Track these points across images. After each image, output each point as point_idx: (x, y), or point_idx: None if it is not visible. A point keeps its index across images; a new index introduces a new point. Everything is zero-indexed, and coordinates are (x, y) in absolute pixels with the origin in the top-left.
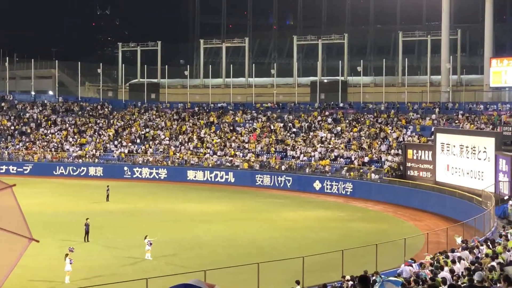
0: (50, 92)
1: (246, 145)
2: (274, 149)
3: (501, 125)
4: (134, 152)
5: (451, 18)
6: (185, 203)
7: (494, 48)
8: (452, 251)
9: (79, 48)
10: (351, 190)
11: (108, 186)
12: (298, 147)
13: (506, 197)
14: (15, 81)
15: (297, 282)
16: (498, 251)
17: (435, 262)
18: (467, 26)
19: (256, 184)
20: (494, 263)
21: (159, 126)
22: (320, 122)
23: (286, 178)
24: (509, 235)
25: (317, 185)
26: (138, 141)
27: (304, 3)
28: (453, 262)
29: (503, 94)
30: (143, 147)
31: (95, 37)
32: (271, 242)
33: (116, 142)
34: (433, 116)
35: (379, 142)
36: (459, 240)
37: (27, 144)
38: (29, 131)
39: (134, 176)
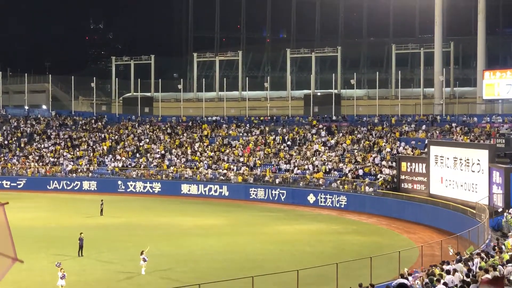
0: (44, 107)
1: (240, 159)
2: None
3: (494, 137)
4: (128, 166)
5: (443, 31)
6: (179, 217)
7: (487, 61)
8: (447, 263)
9: (72, 62)
10: (345, 203)
11: (102, 200)
12: (292, 160)
13: (500, 209)
14: (8, 95)
15: None
16: (495, 263)
17: (430, 275)
18: (460, 39)
19: (250, 197)
20: (488, 276)
21: (153, 140)
22: (313, 135)
23: (280, 191)
24: (503, 247)
25: (311, 198)
26: (136, 155)
27: (297, 16)
28: (448, 273)
29: (496, 106)
30: (138, 161)
31: (88, 51)
32: (265, 256)
33: (110, 156)
34: (424, 127)
35: (373, 155)
36: (452, 251)
37: (21, 158)
38: (22, 145)
39: (128, 190)
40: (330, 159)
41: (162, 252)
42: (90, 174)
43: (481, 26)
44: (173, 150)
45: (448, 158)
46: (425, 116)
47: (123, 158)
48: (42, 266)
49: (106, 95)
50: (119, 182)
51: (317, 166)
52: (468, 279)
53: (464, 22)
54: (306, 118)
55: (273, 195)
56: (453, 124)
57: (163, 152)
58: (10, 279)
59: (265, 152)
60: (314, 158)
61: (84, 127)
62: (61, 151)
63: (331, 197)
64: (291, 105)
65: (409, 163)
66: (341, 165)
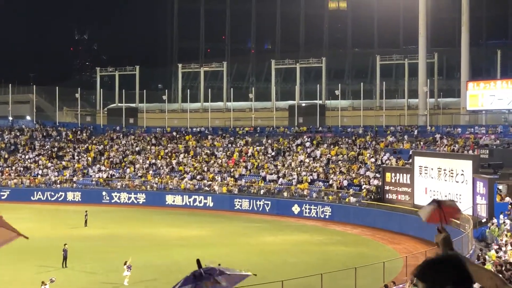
0: (28, 117)
1: (225, 169)
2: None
3: (477, 149)
4: (113, 177)
5: (427, 42)
6: (164, 227)
7: (471, 72)
8: None
9: (57, 73)
10: (330, 213)
11: (86, 211)
12: (281, 171)
13: (483, 220)
14: None
15: None
16: None
17: (415, 285)
18: (444, 50)
19: (235, 208)
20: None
21: (137, 150)
22: (298, 146)
23: (265, 202)
24: (487, 257)
25: (295, 209)
26: (120, 166)
27: (282, 27)
28: None
29: (480, 117)
30: (122, 172)
31: (73, 62)
32: (250, 266)
33: (94, 167)
34: (408, 138)
35: (358, 166)
36: None
37: (5, 169)
38: (6, 156)
39: (113, 201)
40: (315, 169)
41: (146, 263)
42: (74, 185)
43: (465, 37)
44: (158, 161)
45: (432, 169)
46: (410, 127)
47: (108, 169)
48: (25, 277)
49: (91, 105)
50: (104, 193)
51: (303, 176)
52: None
53: (448, 34)
54: (291, 129)
55: (258, 206)
56: (437, 135)
57: (147, 163)
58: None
59: (250, 162)
60: (299, 169)
61: (68, 138)
62: (45, 162)
63: (316, 207)
64: (275, 116)
65: (393, 174)
66: (332, 176)
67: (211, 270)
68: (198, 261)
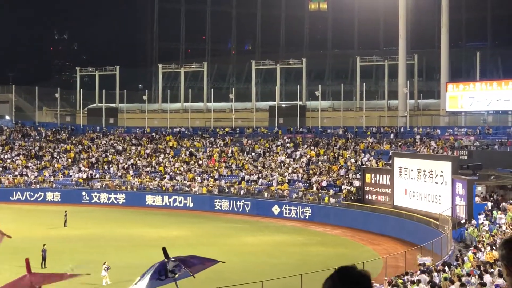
0: (7, 117)
1: (205, 170)
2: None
3: (457, 149)
4: (92, 177)
5: (407, 44)
6: (144, 228)
7: (450, 73)
8: (411, 274)
9: (36, 72)
10: (310, 214)
11: (66, 211)
12: (256, 172)
13: (463, 221)
14: None
15: None
16: (460, 274)
17: (394, 286)
18: (424, 51)
19: (215, 208)
20: (453, 286)
21: (117, 151)
22: (278, 147)
23: (245, 202)
24: (465, 259)
25: (275, 209)
26: (100, 166)
27: (263, 28)
28: (413, 282)
29: (459, 119)
30: (102, 172)
31: (53, 61)
32: (230, 267)
33: (74, 167)
34: (388, 139)
35: (338, 167)
36: (423, 260)
37: None
38: None
39: (92, 201)
40: (295, 170)
41: (125, 264)
42: (54, 185)
43: (444, 39)
44: (138, 161)
45: (412, 170)
46: (390, 128)
47: (87, 169)
48: (4, 278)
49: (71, 105)
50: (83, 193)
51: (282, 177)
52: None
53: (427, 35)
54: (271, 130)
55: (238, 207)
56: (417, 136)
57: (127, 163)
58: None
59: (230, 163)
60: (279, 169)
61: (48, 138)
62: (24, 161)
63: (296, 208)
64: (256, 117)
65: (373, 175)
66: (314, 177)
67: (177, 258)
68: (164, 249)
